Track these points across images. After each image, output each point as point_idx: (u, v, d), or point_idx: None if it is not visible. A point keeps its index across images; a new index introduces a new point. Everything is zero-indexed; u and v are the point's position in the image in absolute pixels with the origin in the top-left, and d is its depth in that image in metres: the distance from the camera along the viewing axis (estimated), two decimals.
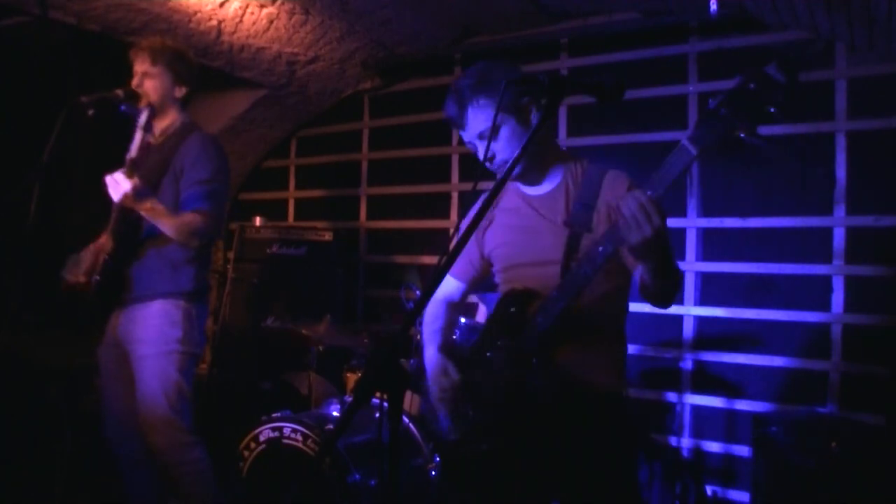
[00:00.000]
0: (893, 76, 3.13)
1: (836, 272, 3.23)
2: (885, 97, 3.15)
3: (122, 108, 2.37)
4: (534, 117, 1.85)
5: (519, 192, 1.95)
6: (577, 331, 1.75)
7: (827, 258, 3.25)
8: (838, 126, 3.25)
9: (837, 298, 3.22)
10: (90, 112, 2.29)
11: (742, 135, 1.43)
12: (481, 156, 1.83)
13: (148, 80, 2.51)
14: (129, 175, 2.25)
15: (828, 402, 3.20)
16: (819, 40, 3.28)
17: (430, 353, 2.03)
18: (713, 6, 3.16)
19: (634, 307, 2.04)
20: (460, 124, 1.88)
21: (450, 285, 2.13)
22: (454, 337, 2.82)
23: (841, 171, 3.24)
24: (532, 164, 1.87)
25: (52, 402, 3.30)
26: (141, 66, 2.51)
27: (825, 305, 3.24)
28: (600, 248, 1.57)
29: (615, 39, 3.79)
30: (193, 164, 2.50)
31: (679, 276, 1.69)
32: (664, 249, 1.52)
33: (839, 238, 3.24)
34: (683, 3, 3.43)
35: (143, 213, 2.36)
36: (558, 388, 1.74)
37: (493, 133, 1.79)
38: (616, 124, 3.80)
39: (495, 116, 1.74)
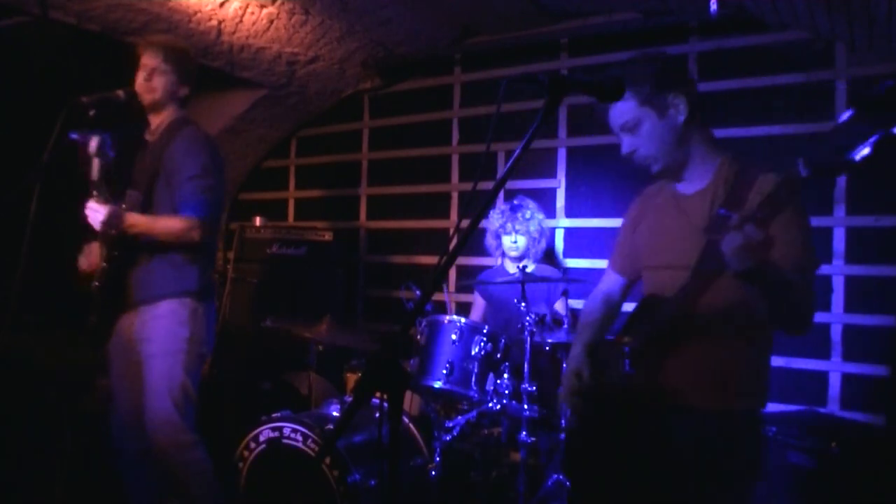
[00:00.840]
0: (893, 76, 3.12)
1: (836, 272, 3.23)
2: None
3: (73, 135, 2.33)
4: (678, 114, 1.73)
5: (671, 190, 1.87)
6: (686, 337, 1.68)
7: (827, 258, 3.24)
8: None
9: (837, 298, 3.22)
10: (90, 112, 2.30)
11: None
12: (624, 150, 1.79)
13: (157, 76, 2.52)
14: (101, 200, 2.31)
15: (828, 402, 3.20)
16: (822, 40, 3.28)
17: (576, 349, 1.98)
18: (713, 6, 3.16)
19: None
20: (604, 116, 1.83)
21: (610, 280, 2.09)
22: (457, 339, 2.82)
23: None
24: (678, 161, 1.78)
25: (52, 402, 3.29)
26: (152, 61, 2.52)
27: (825, 305, 3.24)
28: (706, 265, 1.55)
29: (615, 39, 3.79)
30: (183, 161, 2.48)
31: (800, 303, 1.60)
32: (768, 283, 1.49)
33: (839, 238, 3.24)
34: (683, 3, 3.43)
35: (131, 232, 2.39)
36: (656, 398, 1.71)
37: (630, 128, 1.75)
38: None
39: (496, 111, 1.77)
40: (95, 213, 2.30)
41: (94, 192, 2.33)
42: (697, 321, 1.67)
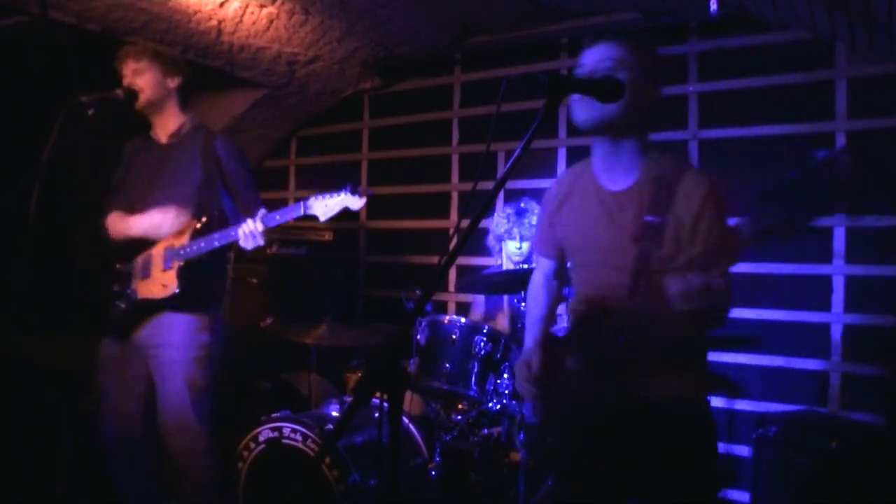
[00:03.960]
0: (893, 76, 3.13)
1: (836, 272, 3.23)
2: (885, 97, 3.15)
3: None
4: (650, 96, 1.75)
5: (593, 181, 1.83)
6: (653, 344, 1.70)
7: (827, 258, 3.24)
8: (838, 126, 3.25)
9: (837, 298, 3.22)
10: (90, 112, 2.29)
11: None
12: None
13: (138, 76, 2.54)
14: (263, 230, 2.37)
15: (828, 402, 3.20)
16: (822, 40, 3.28)
17: (527, 343, 1.98)
18: (713, 6, 3.16)
19: None
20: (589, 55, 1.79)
21: (543, 265, 2.10)
22: (455, 335, 2.82)
23: None
24: (606, 154, 1.78)
25: (51, 402, 3.29)
26: (128, 67, 2.55)
27: (825, 305, 3.24)
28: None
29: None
30: (241, 166, 2.62)
31: (726, 306, 1.65)
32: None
33: (839, 238, 3.24)
34: (683, 2, 3.43)
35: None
36: (632, 398, 1.71)
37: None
38: None
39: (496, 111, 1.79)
40: (256, 238, 2.37)
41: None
42: (644, 322, 1.68)
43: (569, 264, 2.00)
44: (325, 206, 2.26)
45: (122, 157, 2.74)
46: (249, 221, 2.33)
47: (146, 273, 2.53)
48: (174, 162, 2.56)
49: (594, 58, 1.74)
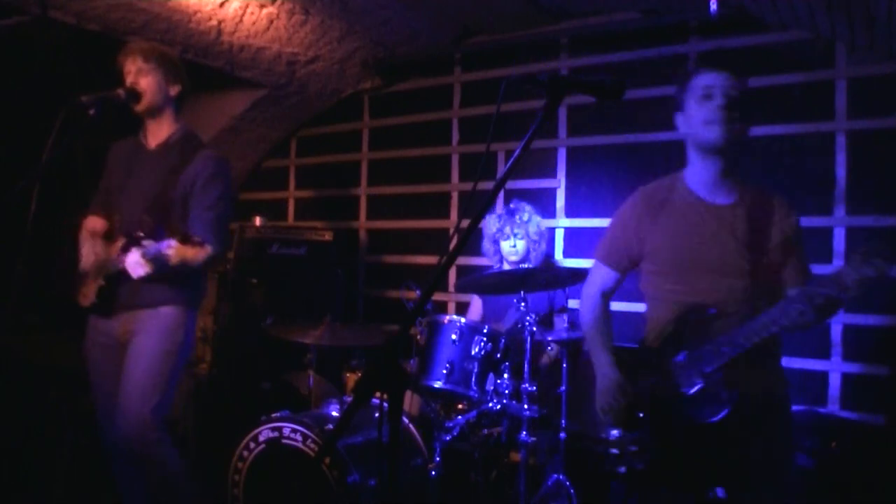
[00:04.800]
0: (893, 76, 3.13)
1: None
2: (885, 97, 3.15)
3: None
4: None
5: (692, 195, 1.97)
6: (759, 346, 1.80)
7: (827, 258, 3.24)
8: (838, 126, 3.25)
9: None
10: (90, 112, 2.29)
11: None
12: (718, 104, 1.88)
13: (143, 77, 2.51)
14: (143, 261, 2.30)
15: (828, 402, 3.20)
16: (822, 40, 3.28)
17: (603, 361, 2.04)
18: (713, 6, 3.16)
19: (628, 307, 2.06)
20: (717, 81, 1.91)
21: (604, 276, 2.14)
22: (454, 338, 2.82)
23: (841, 171, 3.24)
24: (720, 166, 1.92)
25: (52, 402, 3.29)
26: (133, 64, 2.51)
27: None
28: (799, 312, 1.70)
29: (615, 39, 3.79)
30: (205, 188, 2.51)
31: None
32: None
33: (839, 238, 3.23)
34: (683, 2, 3.43)
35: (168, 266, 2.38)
36: (739, 402, 1.81)
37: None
38: (616, 124, 3.80)
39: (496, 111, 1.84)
40: (139, 266, 2.30)
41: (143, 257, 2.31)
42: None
43: (652, 276, 2.03)
44: (172, 250, 2.25)
45: (109, 157, 2.72)
46: (134, 251, 2.31)
47: (85, 280, 2.56)
48: (156, 170, 2.54)
49: (724, 83, 1.89)
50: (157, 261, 2.29)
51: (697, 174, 1.97)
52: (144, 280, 2.39)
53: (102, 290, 2.49)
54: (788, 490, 1.91)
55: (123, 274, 2.39)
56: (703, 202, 1.95)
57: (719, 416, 1.79)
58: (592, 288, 2.17)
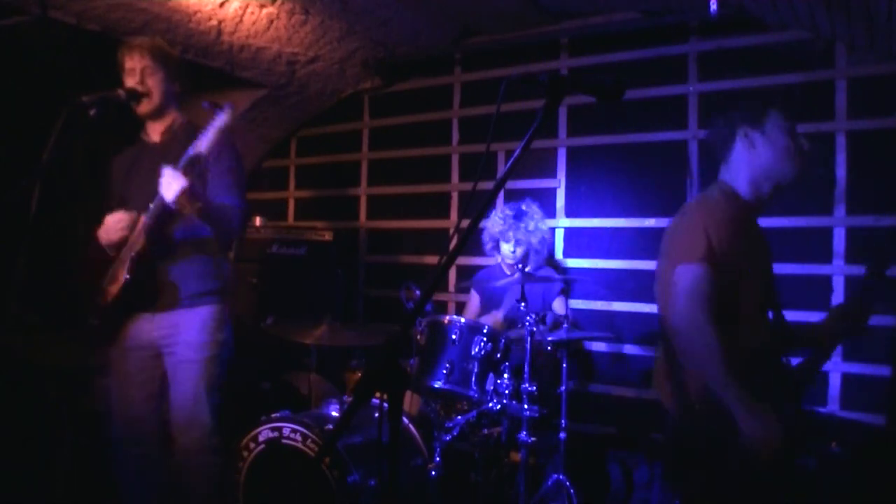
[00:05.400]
0: (893, 76, 3.13)
1: (836, 272, 3.23)
2: (885, 97, 3.15)
3: (205, 104, 2.25)
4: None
5: (750, 217, 2.00)
6: None
7: (827, 258, 3.24)
8: (838, 126, 3.25)
9: (837, 298, 3.22)
10: (91, 112, 2.28)
11: None
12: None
13: (150, 76, 2.48)
14: (186, 172, 2.21)
15: (828, 402, 3.20)
16: (822, 40, 3.28)
17: (752, 406, 1.68)
18: (713, 6, 3.16)
19: (635, 307, 2.05)
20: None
21: (709, 290, 1.76)
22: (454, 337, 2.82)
23: (841, 171, 3.24)
24: (765, 203, 2.00)
25: (52, 402, 3.29)
26: (140, 62, 2.47)
27: (825, 305, 3.23)
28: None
29: (615, 39, 3.79)
30: (219, 158, 2.46)
31: None
32: None
33: (839, 238, 3.24)
34: (683, 2, 3.43)
35: (192, 213, 2.31)
36: None
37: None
38: (616, 124, 3.80)
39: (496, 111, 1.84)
40: (174, 180, 2.18)
41: (186, 164, 2.22)
42: None
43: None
44: (206, 131, 2.22)
45: (113, 169, 2.67)
46: (165, 170, 2.22)
47: (114, 277, 2.46)
48: (167, 157, 2.50)
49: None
50: (191, 166, 2.20)
51: (754, 208, 2.04)
52: (183, 268, 2.35)
53: (127, 285, 2.37)
54: None
55: (161, 233, 2.30)
56: (756, 223, 2.05)
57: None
58: (698, 304, 1.71)
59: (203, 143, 2.25)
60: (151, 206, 2.33)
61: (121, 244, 2.44)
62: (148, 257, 2.39)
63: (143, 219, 2.38)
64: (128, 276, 2.36)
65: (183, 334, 2.46)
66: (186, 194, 2.21)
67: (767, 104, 2.03)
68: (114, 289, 2.42)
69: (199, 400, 2.44)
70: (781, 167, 1.94)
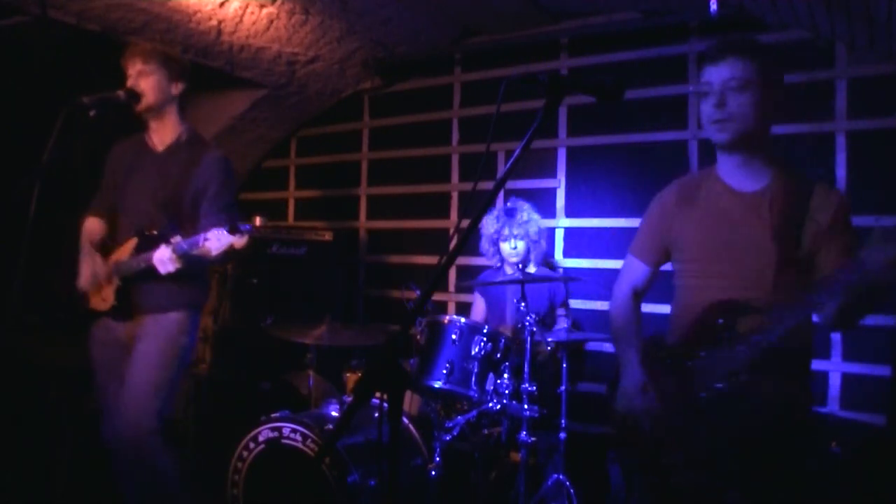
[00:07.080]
0: (893, 76, 3.13)
1: None
2: (885, 97, 3.15)
3: (246, 226, 2.29)
4: (779, 97, 1.89)
5: (721, 185, 1.91)
6: (785, 350, 1.72)
7: None
8: (838, 126, 3.26)
9: None
10: (91, 112, 2.29)
11: None
12: (713, 103, 1.80)
13: (143, 78, 2.51)
14: (180, 259, 2.32)
15: (828, 402, 3.20)
16: (822, 40, 3.28)
17: (630, 360, 1.97)
18: (713, 6, 3.16)
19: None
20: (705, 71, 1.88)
21: (636, 271, 2.08)
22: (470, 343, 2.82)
23: (841, 171, 3.24)
24: (741, 158, 1.86)
25: (52, 402, 3.29)
26: (134, 67, 2.52)
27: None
28: (843, 278, 1.56)
29: (615, 39, 3.80)
30: (219, 192, 2.54)
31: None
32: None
33: None
34: (683, 2, 3.43)
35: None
36: (764, 405, 1.74)
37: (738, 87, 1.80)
38: (616, 124, 3.80)
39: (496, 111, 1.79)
40: (169, 262, 2.31)
41: (173, 252, 2.31)
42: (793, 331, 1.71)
43: (679, 268, 1.98)
44: (218, 241, 2.24)
45: (110, 157, 2.71)
46: (163, 247, 2.31)
47: (97, 285, 2.55)
48: (167, 174, 2.55)
49: (721, 77, 1.81)
50: (187, 256, 2.31)
51: (724, 164, 1.92)
52: (159, 280, 2.39)
53: (120, 291, 2.50)
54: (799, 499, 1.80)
55: (146, 272, 2.39)
56: (730, 190, 1.89)
57: (736, 422, 1.72)
58: (623, 284, 2.10)
59: (211, 250, 2.28)
60: (138, 262, 2.43)
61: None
62: (129, 283, 2.51)
63: (130, 261, 2.48)
64: (115, 303, 2.51)
65: (149, 335, 2.52)
66: (178, 271, 2.34)
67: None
68: (98, 303, 2.55)
69: (143, 392, 2.45)
70: (704, 131, 1.91)
